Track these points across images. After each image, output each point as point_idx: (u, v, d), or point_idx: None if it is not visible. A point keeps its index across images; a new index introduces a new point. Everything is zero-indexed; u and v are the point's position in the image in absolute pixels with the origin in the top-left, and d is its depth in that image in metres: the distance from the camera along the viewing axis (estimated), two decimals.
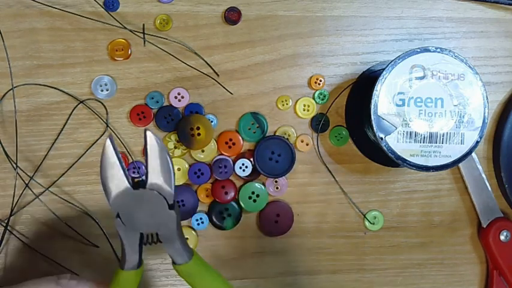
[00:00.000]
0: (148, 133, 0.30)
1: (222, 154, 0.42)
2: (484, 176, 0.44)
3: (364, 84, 0.42)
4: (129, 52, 0.41)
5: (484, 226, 0.44)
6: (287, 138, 0.42)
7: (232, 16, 0.42)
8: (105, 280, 0.34)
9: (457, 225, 0.45)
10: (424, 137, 0.38)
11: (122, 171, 0.30)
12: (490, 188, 0.44)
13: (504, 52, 0.45)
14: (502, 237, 0.43)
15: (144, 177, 0.31)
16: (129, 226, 0.31)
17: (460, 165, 0.44)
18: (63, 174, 0.41)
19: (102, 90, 0.41)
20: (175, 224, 0.31)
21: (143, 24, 0.41)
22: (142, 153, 0.42)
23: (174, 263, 0.32)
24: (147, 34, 0.41)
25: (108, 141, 0.30)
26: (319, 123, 0.43)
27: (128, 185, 0.31)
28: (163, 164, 0.31)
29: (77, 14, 0.40)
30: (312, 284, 0.44)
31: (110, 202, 0.31)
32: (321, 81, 0.43)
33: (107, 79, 0.41)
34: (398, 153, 0.38)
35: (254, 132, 0.42)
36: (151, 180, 0.31)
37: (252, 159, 0.42)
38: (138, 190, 0.31)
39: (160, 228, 0.31)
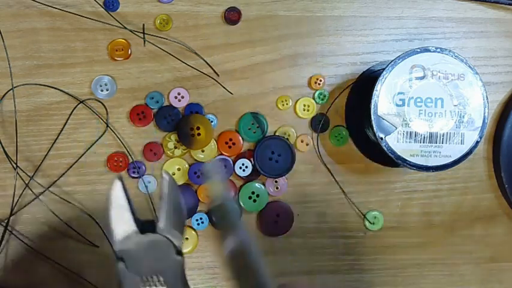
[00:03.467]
0: (165, 174, 0.29)
1: (222, 154, 0.42)
2: None
3: (364, 84, 0.42)
4: (129, 52, 0.41)
5: None
6: (287, 138, 0.42)
7: (232, 16, 0.42)
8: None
9: (457, 225, 0.45)
10: (424, 137, 0.38)
11: (130, 214, 0.29)
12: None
13: (504, 52, 0.45)
14: None
15: (154, 219, 0.30)
16: (132, 270, 0.29)
17: None
18: (63, 174, 0.41)
19: (102, 90, 0.41)
20: (180, 270, 0.30)
21: (143, 24, 0.41)
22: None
23: None
24: (147, 34, 0.41)
25: (118, 181, 0.28)
26: (319, 123, 0.43)
27: (136, 229, 0.29)
28: (176, 209, 0.29)
29: (77, 14, 0.40)
30: (312, 284, 0.44)
31: (114, 246, 0.29)
32: (321, 81, 0.43)
33: (107, 79, 0.41)
34: (398, 153, 0.38)
35: (254, 132, 0.42)
36: (162, 225, 0.29)
37: (252, 159, 0.42)
38: (146, 235, 0.29)
39: (164, 273, 0.30)
